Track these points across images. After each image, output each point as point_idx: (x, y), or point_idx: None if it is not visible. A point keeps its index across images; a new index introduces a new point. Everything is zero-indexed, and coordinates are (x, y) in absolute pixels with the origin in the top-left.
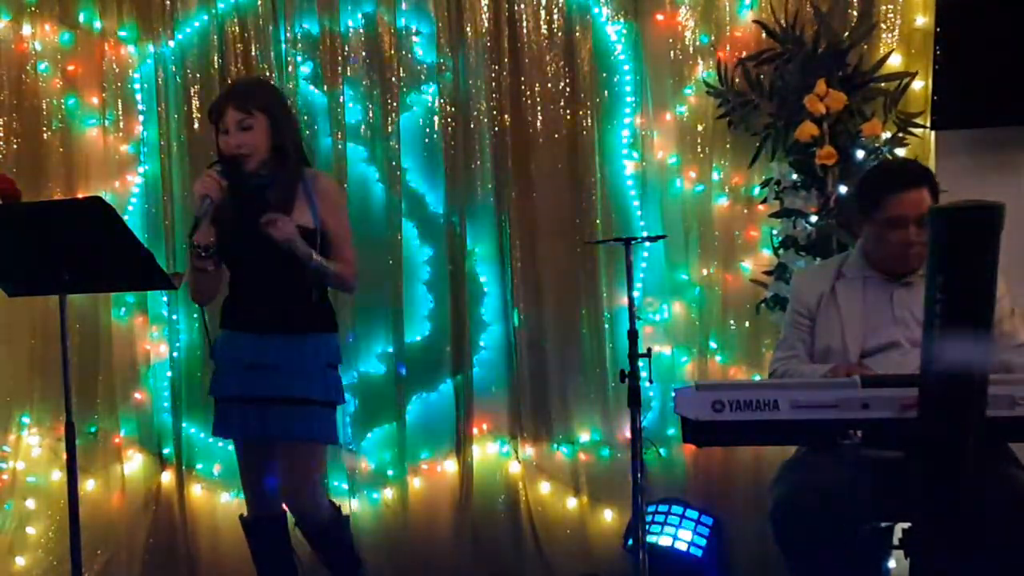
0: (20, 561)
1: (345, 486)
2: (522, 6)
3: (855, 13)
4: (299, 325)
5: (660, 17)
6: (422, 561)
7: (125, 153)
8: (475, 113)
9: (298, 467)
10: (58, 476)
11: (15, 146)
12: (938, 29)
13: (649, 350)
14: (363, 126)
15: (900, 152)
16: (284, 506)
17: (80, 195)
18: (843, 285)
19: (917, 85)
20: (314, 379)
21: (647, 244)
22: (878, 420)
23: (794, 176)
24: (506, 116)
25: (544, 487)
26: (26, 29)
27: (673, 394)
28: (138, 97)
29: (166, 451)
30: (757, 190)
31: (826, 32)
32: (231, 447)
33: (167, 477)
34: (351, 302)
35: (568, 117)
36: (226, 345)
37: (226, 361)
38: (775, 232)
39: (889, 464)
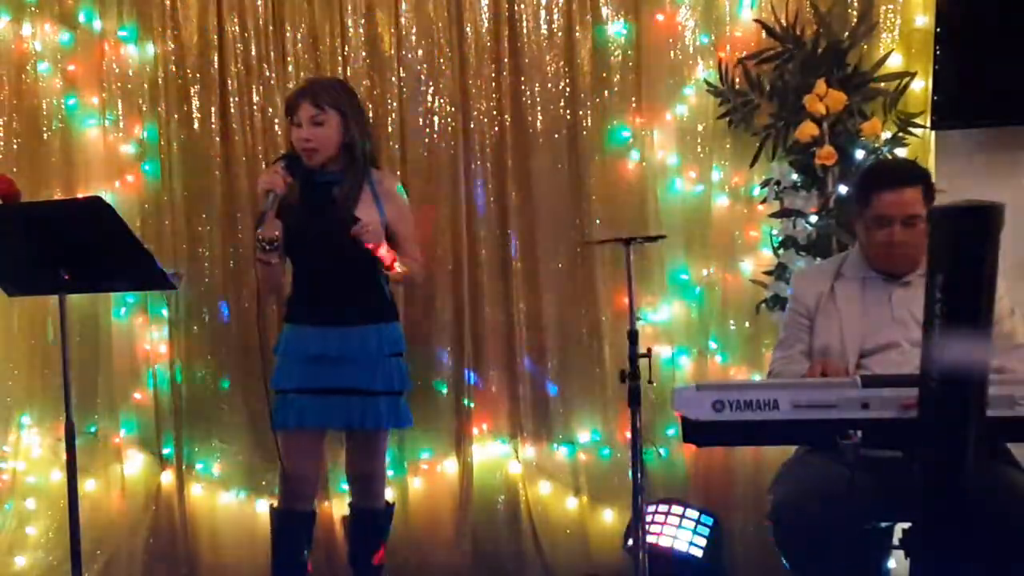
0: (20, 561)
1: (345, 486)
2: (522, 6)
3: (855, 13)
4: (362, 317)
5: (660, 17)
6: (422, 561)
7: (125, 153)
8: (475, 113)
9: (368, 455)
10: (58, 476)
11: (15, 146)
12: (938, 29)
13: (649, 350)
14: None
15: (900, 152)
16: (314, 505)
17: (80, 195)
18: (842, 285)
19: (917, 85)
20: (378, 370)
21: (647, 244)
22: (878, 420)
23: (794, 176)
24: (506, 116)
25: (544, 487)
26: (26, 29)
27: (673, 394)
28: (138, 97)
29: (166, 451)
30: (757, 190)
31: (826, 32)
32: (232, 447)
33: (167, 477)
34: None
35: (568, 117)
36: (292, 338)
37: (291, 354)
38: (775, 232)
39: (889, 464)
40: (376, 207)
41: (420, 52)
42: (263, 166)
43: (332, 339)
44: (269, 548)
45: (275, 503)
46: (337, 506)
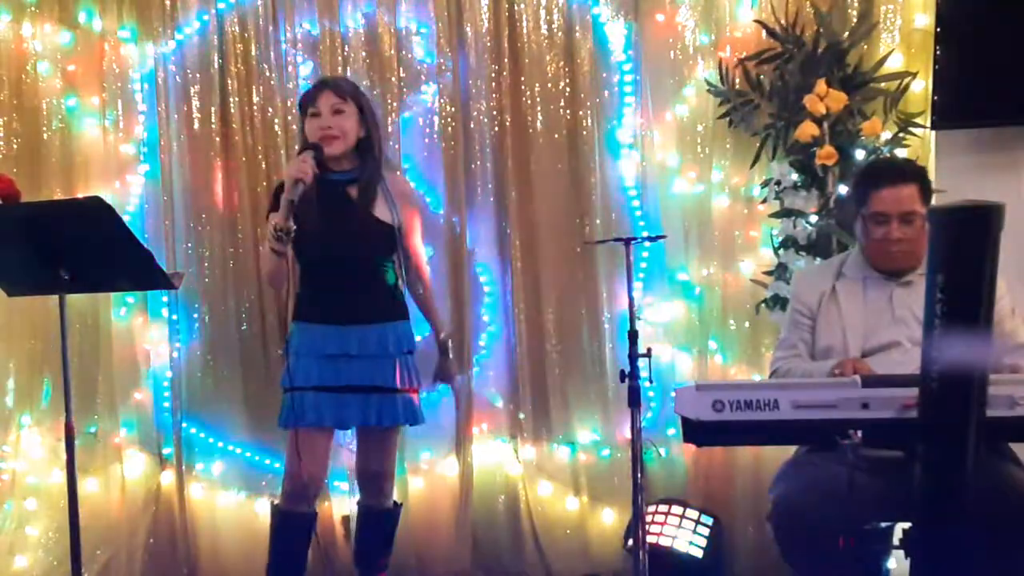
0: (20, 561)
1: (345, 486)
2: (522, 6)
3: (855, 13)
4: (376, 315)
5: (660, 17)
6: (422, 561)
7: (125, 153)
8: (475, 113)
9: (382, 451)
10: (58, 476)
11: (15, 146)
12: (938, 29)
13: (649, 350)
14: None
15: (900, 152)
16: (315, 506)
17: (80, 195)
18: (843, 284)
19: (917, 85)
20: (394, 366)
21: (647, 244)
22: (878, 420)
23: (794, 176)
24: (506, 116)
25: (544, 487)
26: (26, 29)
27: (673, 394)
28: (138, 97)
29: (166, 451)
30: (757, 190)
31: (826, 32)
32: (232, 447)
33: (167, 477)
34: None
35: (568, 117)
36: (304, 336)
37: (304, 352)
38: (775, 232)
39: (889, 464)
40: (390, 209)
41: (420, 52)
42: (263, 166)
43: (350, 337)
44: (267, 547)
45: (276, 500)
46: (337, 506)
